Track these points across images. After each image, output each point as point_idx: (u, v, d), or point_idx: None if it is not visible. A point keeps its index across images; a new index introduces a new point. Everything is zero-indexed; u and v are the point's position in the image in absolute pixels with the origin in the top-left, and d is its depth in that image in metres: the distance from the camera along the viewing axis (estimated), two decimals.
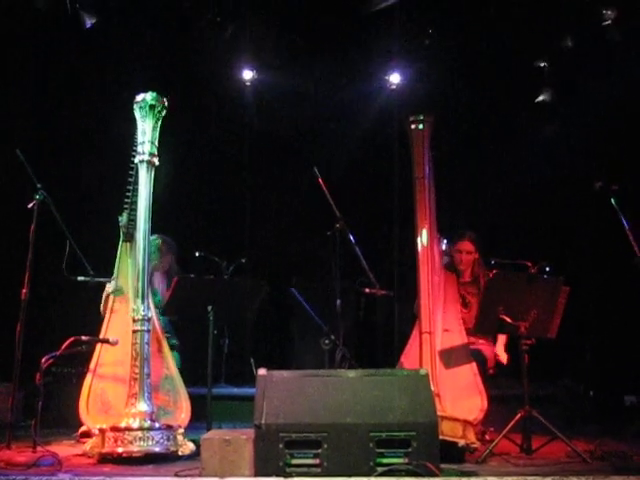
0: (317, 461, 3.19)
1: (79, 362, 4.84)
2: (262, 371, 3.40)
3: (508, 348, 4.90)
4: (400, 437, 3.22)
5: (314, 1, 6.60)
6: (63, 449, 4.12)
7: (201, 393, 4.78)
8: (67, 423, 4.81)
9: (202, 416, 4.53)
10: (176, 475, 3.38)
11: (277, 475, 3.15)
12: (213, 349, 4.63)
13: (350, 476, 3.12)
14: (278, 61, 6.78)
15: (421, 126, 4.67)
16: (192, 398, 4.44)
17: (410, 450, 3.21)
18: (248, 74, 6.99)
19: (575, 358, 6.02)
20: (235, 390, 6.02)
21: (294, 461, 3.19)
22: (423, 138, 4.67)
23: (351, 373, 3.48)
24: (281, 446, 3.18)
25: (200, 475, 3.30)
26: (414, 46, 6.81)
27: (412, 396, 3.33)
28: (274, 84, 6.68)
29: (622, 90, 5.67)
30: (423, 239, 4.50)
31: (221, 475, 3.18)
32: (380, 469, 3.18)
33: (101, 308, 4.61)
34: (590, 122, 5.82)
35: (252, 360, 6.28)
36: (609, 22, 6.15)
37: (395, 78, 7.15)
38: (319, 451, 3.19)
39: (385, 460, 3.21)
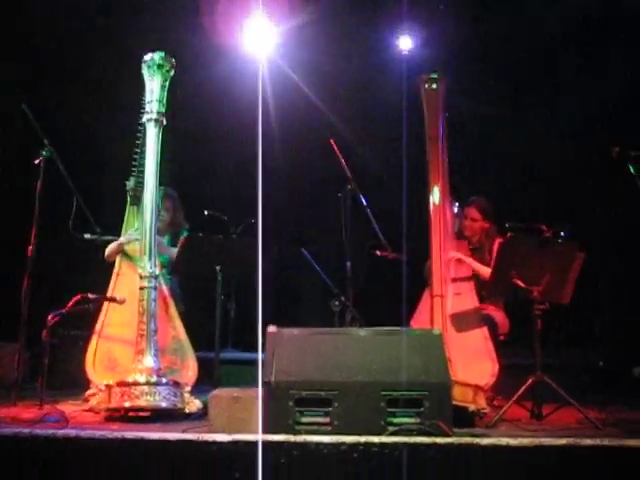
0: (327, 419, 3.14)
1: (86, 324, 4.78)
2: (272, 328, 3.35)
3: (511, 313, 4.85)
4: (412, 397, 3.16)
5: None
6: (70, 408, 4.10)
7: (208, 357, 4.74)
8: (74, 385, 4.78)
9: (209, 380, 4.49)
10: (183, 432, 3.34)
11: (286, 433, 3.09)
12: (220, 312, 4.58)
13: (361, 435, 3.07)
14: (284, 29, 6.61)
15: (434, 85, 4.58)
16: (199, 362, 4.40)
17: (422, 410, 3.16)
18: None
19: (585, 328, 5.96)
20: (243, 354, 5.99)
21: (304, 419, 3.14)
22: (437, 97, 4.58)
23: (363, 332, 3.43)
24: (291, 404, 3.13)
25: (208, 432, 3.25)
26: (427, 10, 6.64)
27: (425, 356, 3.28)
28: (282, 53, 6.52)
29: None
30: (435, 199, 4.42)
31: (229, 432, 3.13)
32: (391, 428, 3.12)
33: (106, 252, 4.53)
34: (609, 87, 5.69)
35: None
36: None
37: (406, 43, 7.00)
38: (329, 409, 3.14)
39: (396, 420, 3.16)
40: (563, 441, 3.04)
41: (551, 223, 4.26)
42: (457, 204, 4.91)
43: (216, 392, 3.39)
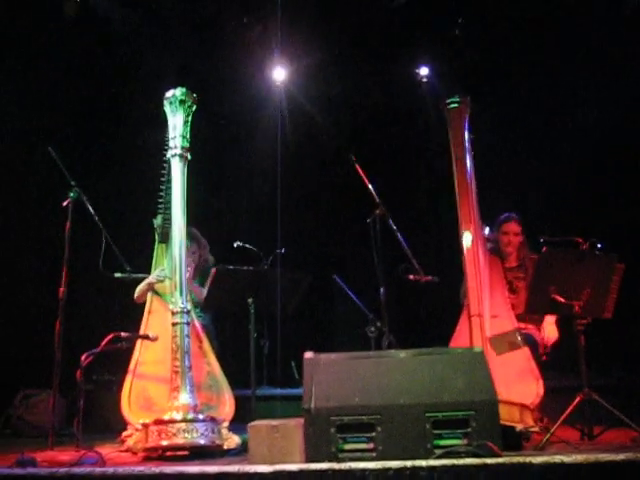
0: (371, 445, 3.05)
1: (120, 369, 4.75)
2: (309, 354, 3.27)
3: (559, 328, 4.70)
4: (458, 417, 3.06)
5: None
6: (107, 450, 4.02)
7: (244, 394, 4.66)
8: (110, 430, 4.72)
9: (246, 418, 4.39)
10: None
11: (329, 461, 2.99)
12: (255, 347, 4.52)
13: (406, 459, 2.95)
14: (308, 62, 6.69)
15: (457, 105, 4.55)
16: (235, 400, 4.32)
17: (469, 430, 3.05)
18: (280, 74, 6.89)
19: (632, 345, 5.77)
20: (278, 391, 5.89)
21: (347, 446, 3.05)
22: (460, 117, 4.54)
23: (402, 353, 3.33)
24: (332, 430, 3.04)
25: (248, 463, 3.15)
26: (444, 37, 6.67)
27: (468, 374, 3.17)
28: (305, 84, 6.57)
29: None
30: (467, 243, 4.37)
31: (270, 463, 3.03)
32: (438, 451, 3.01)
33: (136, 294, 4.51)
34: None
35: (293, 364, 6.14)
36: None
37: (425, 71, 7.03)
38: (373, 434, 3.05)
39: (443, 442, 3.05)
40: (622, 456, 2.90)
41: (586, 236, 4.15)
42: (487, 228, 4.85)
43: (255, 422, 3.29)
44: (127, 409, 4.10)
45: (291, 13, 6.17)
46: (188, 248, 4.83)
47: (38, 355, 4.85)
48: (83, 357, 3.94)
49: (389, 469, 2.84)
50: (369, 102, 6.37)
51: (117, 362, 4.50)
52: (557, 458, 2.90)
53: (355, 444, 3.05)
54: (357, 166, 4.70)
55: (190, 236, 4.83)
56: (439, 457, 2.98)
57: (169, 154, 4.21)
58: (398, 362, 3.25)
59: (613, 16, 5.74)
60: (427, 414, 3.05)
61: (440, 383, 3.13)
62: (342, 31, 6.49)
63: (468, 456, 2.97)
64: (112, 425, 4.70)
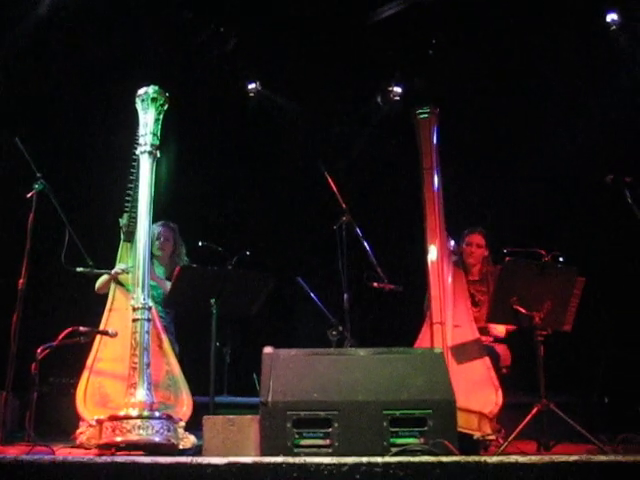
0: (327, 441, 3.03)
1: (77, 372, 4.66)
2: (268, 349, 3.25)
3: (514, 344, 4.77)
4: (415, 415, 3.05)
5: (315, 14, 6.59)
6: (58, 447, 3.93)
7: (203, 401, 4.60)
8: (66, 434, 4.60)
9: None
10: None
11: (285, 455, 2.96)
12: (215, 355, 4.49)
13: (362, 457, 2.93)
14: (280, 74, 6.75)
15: (426, 116, 4.63)
16: (194, 406, 4.25)
17: (426, 429, 3.05)
18: (252, 86, 6.96)
19: (588, 364, 5.83)
20: (239, 399, 5.82)
21: (303, 441, 3.03)
22: (430, 127, 4.64)
23: (362, 351, 3.32)
24: (289, 425, 3.01)
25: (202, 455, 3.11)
26: (417, 56, 6.79)
27: (427, 374, 3.18)
28: (277, 96, 6.63)
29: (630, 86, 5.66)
30: (432, 256, 4.43)
31: (224, 456, 2.98)
32: (394, 449, 3.00)
33: (97, 284, 4.46)
34: (600, 118, 5.78)
35: (255, 375, 6.08)
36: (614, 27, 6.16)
37: (398, 89, 7.15)
38: (329, 430, 3.03)
39: (400, 440, 3.04)
40: (575, 457, 2.92)
41: (549, 248, 4.22)
42: (452, 242, 4.90)
43: (211, 416, 3.25)
44: (82, 405, 4.02)
45: (265, 28, 6.25)
46: (161, 234, 4.84)
47: None
48: (39, 350, 3.86)
49: (344, 464, 2.80)
50: (339, 114, 6.44)
51: (75, 365, 4.40)
52: (512, 458, 2.90)
53: (311, 440, 3.02)
54: (325, 173, 4.73)
55: (168, 226, 4.84)
56: (395, 455, 2.97)
57: (139, 151, 4.18)
58: (358, 360, 3.25)
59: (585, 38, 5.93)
60: (385, 411, 3.05)
61: (399, 381, 3.14)
62: (316, 46, 6.57)
63: (424, 454, 2.96)
64: (68, 429, 4.57)
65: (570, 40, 5.94)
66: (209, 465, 2.83)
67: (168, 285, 4.58)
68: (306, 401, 3.05)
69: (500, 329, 4.74)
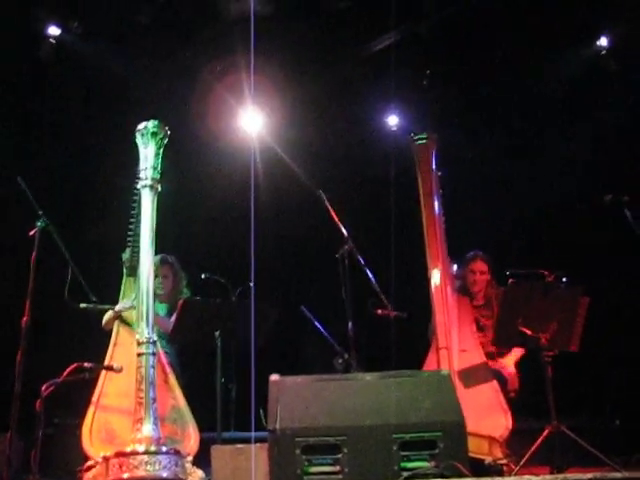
0: (337, 467, 3.00)
1: (82, 413, 4.63)
2: (275, 377, 3.23)
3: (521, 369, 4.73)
4: (425, 438, 3.02)
5: (309, 47, 6.69)
6: None
7: (210, 437, 4.54)
8: (70, 473, 4.54)
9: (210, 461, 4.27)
10: None
11: None
12: (221, 391, 4.45)
13: None
14: (279, 109, 6.82)
15: (424, 141, 4.68)
16: (201, 442, 4.20)
17: (437, 452, 3.01)
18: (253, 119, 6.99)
19: (598, 387, 5.77)
20: (246, 434, 5.73)
21: (312, 469, 2.99)
22: (428, 153, 4.69)
23: (368, 376, 3.30)
24: (298, 452, 2.98)
25: None
26: (412, 87, 6.87)
27: (435, 396, 3.16)
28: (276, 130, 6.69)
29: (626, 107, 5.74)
30: (435, 280, 4.46)
31: None
32: (405, 474, 2.96)
33: (103, 320, 4.45)
34: (599, 138, 5.85)
35: (261, 411, 6.00)
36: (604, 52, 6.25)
37: (393, 120, 7.20)
38: (339, 456, 3.00)
39: (410, 464, 3.00)
40: (589, 475, 2.89)
41: (552, 269, 4.22)
42: (455, 266, 4.90)
43: (219, 445, 3.22)
44: (88, 442, 3.98)
45: (263, 60, 6.32)
46: (159, 269, 4.82)
47: None
48: (44, 387, 3.83)
49: None
50: (339, 143, 6.49)
51: (80, 405, 4.37)
52: (525, 478, 2.87)
53: (321, 466, 2.99)
54: (326, 202, 4.76)
55: (166, 261, 4.83)
56: (406, 479, 2.93)
57: (140, 185, 4.20)
58: (364, 384, 3.23)
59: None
60: (394, 435, 3.02)
61: (407, 404, 3.11)
62: (315, 77, 6.65)
63: (435, 477, 2.92)
64: (73, 470, 4.51)
65: (566, 60, 6.03)
66: None
67: (169, 323, 4.56)
68: (314, 427, 3.03)
69: (509, 364, 4.69)
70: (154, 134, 4.25)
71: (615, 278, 5.57)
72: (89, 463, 3.89)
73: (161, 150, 4.28)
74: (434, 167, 4.71)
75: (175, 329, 4.41)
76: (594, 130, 6.01)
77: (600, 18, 6.09)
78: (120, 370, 4.11)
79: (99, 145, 5.89)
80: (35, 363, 4.25)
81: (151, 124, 4.25)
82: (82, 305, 4.32)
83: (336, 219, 4.71)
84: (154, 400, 3.87)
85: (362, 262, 4.63)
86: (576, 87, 6.14)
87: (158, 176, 4.20)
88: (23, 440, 5.10)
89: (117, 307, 4.42)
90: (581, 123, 6.10)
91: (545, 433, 3.93)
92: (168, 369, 4.36)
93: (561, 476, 2.90)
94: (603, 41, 6.23)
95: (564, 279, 4.26)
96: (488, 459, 3.71)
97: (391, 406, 3.11)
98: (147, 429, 3.76)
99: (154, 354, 3.96)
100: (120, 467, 3.59)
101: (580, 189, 5.86)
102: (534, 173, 6.04)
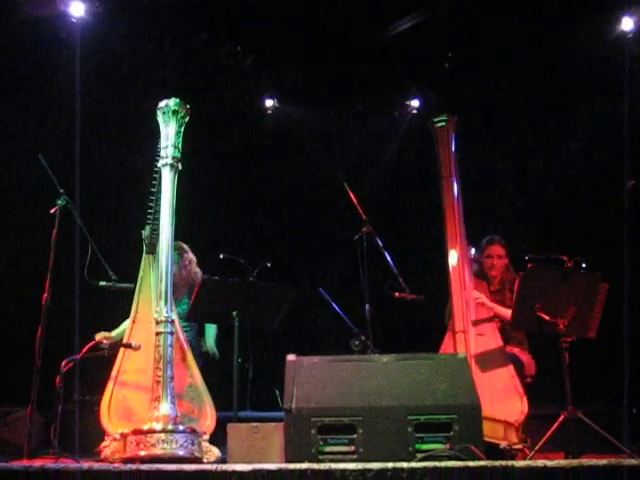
0: (352, 447, 3.02)
1: (100, 390, 4.68)
2: (291, 357, 3.25)
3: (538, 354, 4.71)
4: (440, 420, 3.02)
5: (331, 30, 6.64)
6: (83, 461, 3.93)
7: (226, 416, 4.58)
8: (89, 449, 4.60)
9: (225, 439, 4.30)
10: None
11: (310, 462, 2.94)
12: (238, 369, 4.48)
13: (388, 462, 2.91)
14: (298, 91, 6.80)
15: (444, 124, 4.65)
16: (217, 421, 4.24)
17: (451, 434, 3.02)
18: (269, 102, 7.00)
19: (615, 374, 5.73)
20: (262, 414, 5.77)
21: (327, 448, 3.01)
22: (447, 136, 4.66)
23: (385, 357, 3.31)
24: (313, 431, 3.00)
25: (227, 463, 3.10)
26: (434, 70, 6.81)
27: (451, 379, 3.16)
28: (295, 113, 6.68)
29: None
30: (453, 261, 4.42)
31: (249, 463, 2.97)
32: (420, 455, 2.97)
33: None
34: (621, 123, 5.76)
35: (277, 392, 6.04)
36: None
37: (416, 102, 7.16)
38: (354, 436, 3.01)
39: (425, 446, 3.01)
40: (604, 461, 2.88)
41: (571, 254, 4.18)
42: (473, 249, 4.87)
43: (235, 423, 3.24)
44: (106, 419, 4.02)
45: (279, 44, 6.31)
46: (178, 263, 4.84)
47: (18, 370, 4.76)
48: (63, 363, 3.88)
49: (370, 470, 2.79)
50: (357, 126, 6.48)
51: (98, 383, 4.41)
52: (540, 462, 2.87)
53: (336, 446, 3.00)
54: (344, 184, 4.75)
55: (174, 248, 4.83)
56: (420, 461, 2.94)
57: (160, 163, 4.20)
58: (381, 365, 3.23)
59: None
60: (409, 417, 3.03)
61: (423, 387, 3.12)
62: (331, 62, 6.61)
63: (450, 459, 2.93)
64: (92, 446, 4.57)
65: (586, 48, 5.93)
66: (234, 472, 2.84)
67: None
68: (330, 407, 3.04)
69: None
70: (175, 112, 4.25)
71: (635, 265, 5.50)
72: (105, 443, 3.94)
73: (182, 129, 4.28)
74: (453, 149, 4.67)
75: (193, 307, 4.44)
76: (616, 114, 5.92)
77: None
78: (138, 348, 4.14)
79: (119, 122, 5.91)
80: (54, 340, 4.30)
81: (172, 102, 4.25)
82: (101, 283, 4.35)
83: (355, 201, 4.70)
84: (171, 379, 3.90)
85: (380, 244, 4.62)
86: (597, 69, 6.04)
87: (179, 155, 4.21)
88: (43, 415, 5.21)
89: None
90: (603, 106, 6.01)
91: (561, 419, 3.91)
92: (186, 348, 4.39)
93: (576, 462, 2.89)
94: (627, 24, 6.11)
95: (583, 265, 4.22)
96: (503, 443, 3.71)
97: (407, 388, 3.12)
98: (164, 408, 3.80)
99: (172, 333, 3.99)
100: (137, 444, 3.64)
101: (601, 175, 5.80)
102: (554, 158, 5.98)
